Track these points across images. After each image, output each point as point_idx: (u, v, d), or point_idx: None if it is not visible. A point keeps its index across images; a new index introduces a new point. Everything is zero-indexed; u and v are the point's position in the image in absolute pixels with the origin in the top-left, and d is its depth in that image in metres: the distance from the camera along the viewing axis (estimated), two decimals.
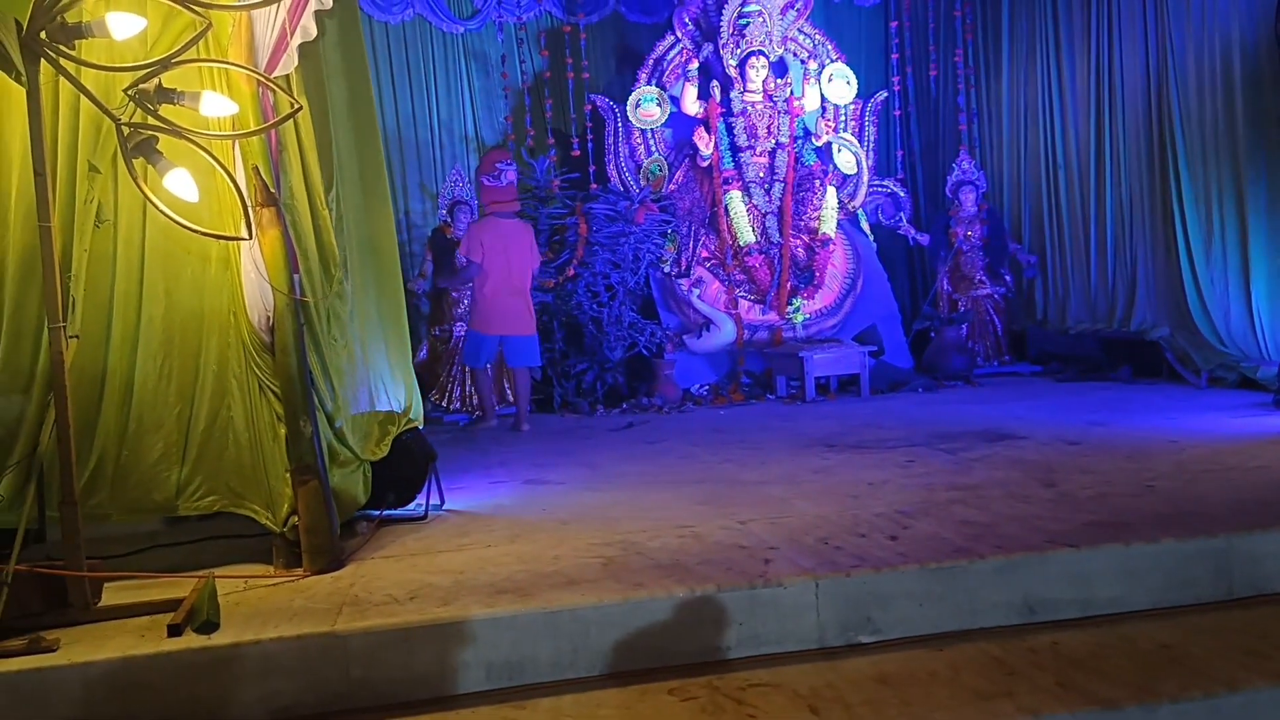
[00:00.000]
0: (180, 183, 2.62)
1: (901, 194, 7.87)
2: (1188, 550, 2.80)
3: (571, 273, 7.03)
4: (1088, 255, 7.02)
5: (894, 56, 8.32)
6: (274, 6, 2.77)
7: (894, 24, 8.32)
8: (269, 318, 2.98)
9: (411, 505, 3.78)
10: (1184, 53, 5.95)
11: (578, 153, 7.60)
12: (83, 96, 2.69)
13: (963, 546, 2.85)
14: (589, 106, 7.58)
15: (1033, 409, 5.53)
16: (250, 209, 2.85)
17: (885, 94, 7.93)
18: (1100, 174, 6.82)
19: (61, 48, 2.51)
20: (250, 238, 2.88)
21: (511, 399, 6.45)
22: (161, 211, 2.68)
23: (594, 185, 7.42)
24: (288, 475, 2.99)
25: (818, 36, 7.60)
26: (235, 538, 3.22)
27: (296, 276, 3.03)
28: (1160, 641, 2.54)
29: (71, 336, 2.70)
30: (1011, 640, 2.59)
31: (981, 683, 2.37)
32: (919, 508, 3.36)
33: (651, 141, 7.44)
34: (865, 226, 7.70)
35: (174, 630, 2.50)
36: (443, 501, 3.87)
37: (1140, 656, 2.47)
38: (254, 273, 2.96)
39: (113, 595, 2.80)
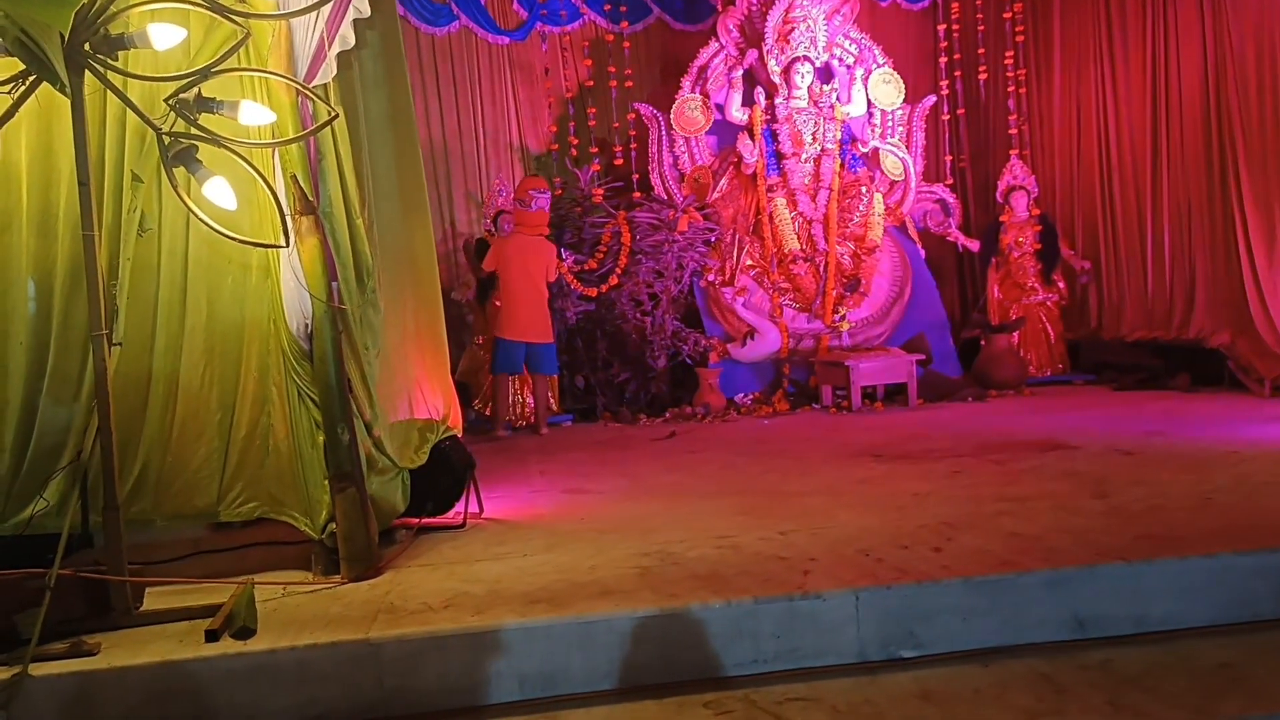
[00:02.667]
0: (219, 191, 2.65)
1: (950, 200, 7.73)
2: (1248, 565, 2.67)
3: (615, 281, 7.02)
4: (1144, 260, 6.83)
5: (942, 60, 8.18)
6: (312, 15, 2.80)
7: (942, 27, 8.18)
8: (308, 325, 3.00)
9: (450, 513, 3.78)
10: (1244, 49, 5.76)
11: (621, 161, 7.60)
12: (126, 107, 2.73)
13: (1009, 559, 2.76)
14: (632, 115, 7.58)
15: (1086, 419, 5.38)
16: (289, 217, 2.88)
17: (934, 98, 7.81)
18: (1157, 176, 6.62)
19: (105, 59, 2.55)
20: (289, 246, 2.90)
21: (530, 407, 6.69)
22: (201, 220, 2.72)
23: (637, 193, 7.41)
24: (326, 483, 3.01)
25: (865, 40, 7.50)
26: (276, 544, 3.23)
27: (335, 284, 3.05)
28: (1219, 660, 2.42)
29: (115, 344, 2.74)
30: (1060, 657, 2.50)
31: (1029, 701, 2.28)
32: (965, 519, 3.27)
33: (695, 149, 7.41)
34: (913, 233, 7.58)
35: (211, 636, 2.51)
36: (481, 510, 3.87)
37: (1198, 676, 2.36)
38: (293, 281, 2.99)
39: (154, 600, 2.84)
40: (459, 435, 4.03)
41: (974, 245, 7.64)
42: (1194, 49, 6.17)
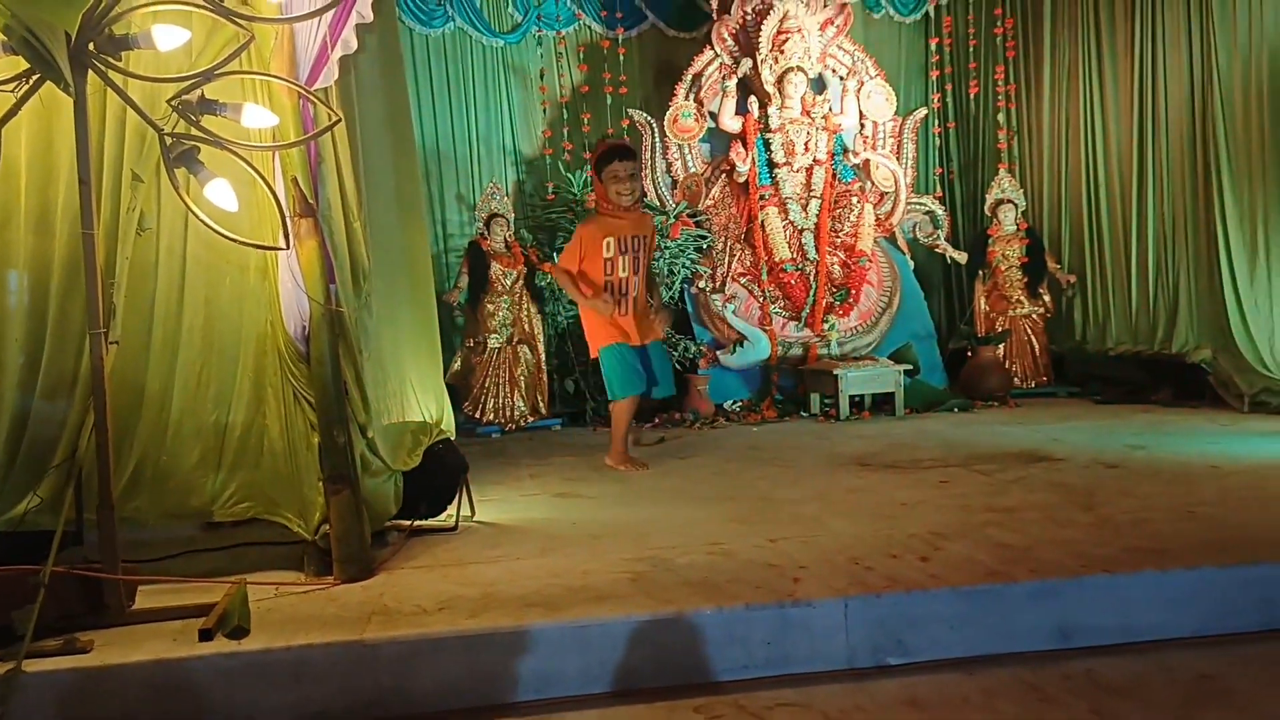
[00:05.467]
0: (220, 193, 2.67)
1: (940, 212, 7.80)
2: (1230, 578, 2.73)
3: None
4: (1128, 275, 6.91)
5: (934, 74, 8.28)
6: (316, 20, 2.81)
7: (934, 40, 8.27)
8: (305, 327, 3.02)
9: (442, 515, 3.79)
10: (1230, 69, 5.84)
11: None
12: (127, 107, 2.74)
13: (997, 569, 2.81)
14: (626, 120, 7.61)
15: (1071, 431, 5.44)
16: (288, 219, 2.89)
17: (925, 111, 7.88)
18: (1142, 193, 6.71)
19: (108, 59, 2.57)
20: (288, 248, 2.91)
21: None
22: (202, 221, 2.73)
23: None
24: (320, 484, 3.02)
25: (857, 52, 7.56)
26: (269, 544, 3.24)
27: (333, 287, 3.06)
28: (1201, 671, 2.47)
29: (112, 342, 2.75)
30: (1046, 666, 2.54)
31: (1014, 708, 2.32)
32: (953, 529, 3.31)
33: (688, 156, 7.45)
34: (902, 244, 7.64)
35: (205, 635, 2.52)
36: (474, 512, 3.89)
37: (1180, 686, 2.40)
38: (291, 282, 3.00)
39: (147, 599, 2.84)
40: (451, 438, 4.04)
41: (962, 257, 7.71)
42: (1180, 69, 6.26)
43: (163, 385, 3.14)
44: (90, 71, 2.58)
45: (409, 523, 3.64)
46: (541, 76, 7.90)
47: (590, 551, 3.28)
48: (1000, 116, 7.92)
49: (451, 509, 3.80)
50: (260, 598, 2.83)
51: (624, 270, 4.84)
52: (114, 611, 2.70)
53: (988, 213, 7.69)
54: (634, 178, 4.90)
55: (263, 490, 3.20)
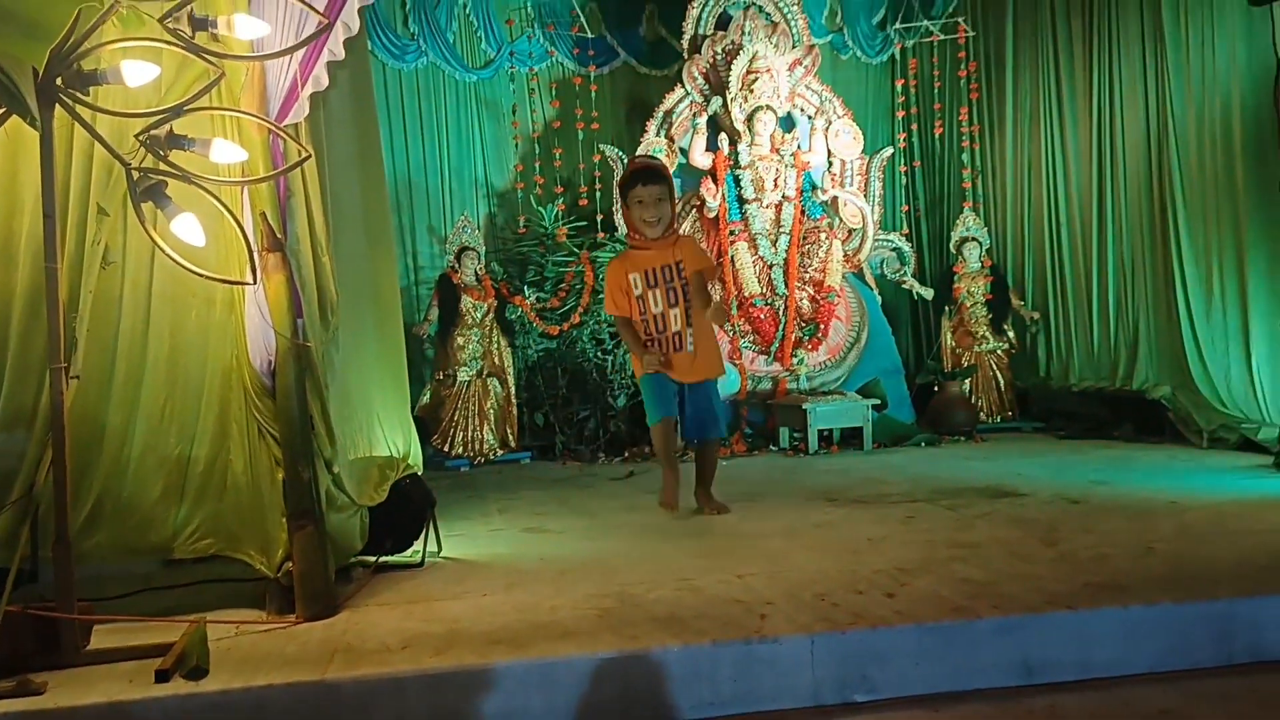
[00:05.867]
0: (187, 227, 2.66)
1: (906, 248, 7.92)
2: (1188, 614, 2.76)
3: (577, 320, 7.07)
4: (1090, 312, 7.04)
5: (900, 113, 8.44)
6: (287, 57, 2.83)
7: (900, 82, 8.45)
8: (271, 361, 3.00)
9: (409, 551, 3.76)
10: (1184, 115, 6.02)
11: (585, 201, 7.69)
12: (93, 140, 2.73)
13: (961, 605, 2.83)
14: (598, 156, 7.68)
15: (1035, 466, 5.51)
16: (256, 253, 2.88)
17: (891, 150, 8.03)
18: (1102, 233, 6.86)
19: (76, 93, 2.56)
20: (255, 282, 2.90)
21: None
22: (168, 255, 2.72)
23: (601, 234, 7.49)
24: (284, 520, 2.98)
25: (825, 92, 7.70)
26: (230, 581, 3.19)
27: (300, 321, 3.05)
28: (1160, 706, 2.50)
29: (73, 376, 2.71)
30: (1008, 701, 2.56)
31: None
32: (918, 564, 3.33)
33: None
34: (870, 280, 7.75)
35: (162, 676, 2.47)
36: (440, 548, 3.86)
37: None
38: (258, 316, 2.99)
39: (104, 638, 2.78)
40: (419, 472, 4.02)
41: (928, 293, 7.83)
42: (1136, 115, 6.43)
43: (125, 419, 3.11)
44: (57, 105, 2.57)
45: (374, 559, 3.60)
46: (514, 112, 7.96)
47: (557, 587, 3.26)
48: (965, 156, 8.08)
49: (418, 544, 3.76)
50: (220, 637, 2.78)
51: (657, 306, 4.42)
52: (69, 651, 2.64)
53: (953, 250, 7.83)
54: (661, 202, 4.43)
55: (225, 526, 3.16)
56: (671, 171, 7.41)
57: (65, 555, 2.65)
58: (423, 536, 3.78)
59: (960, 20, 7.85)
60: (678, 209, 7.27)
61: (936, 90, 8.31)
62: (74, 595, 2.67)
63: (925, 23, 8.03)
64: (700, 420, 4.51)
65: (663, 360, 4.40)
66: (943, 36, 8.02)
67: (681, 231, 7.40)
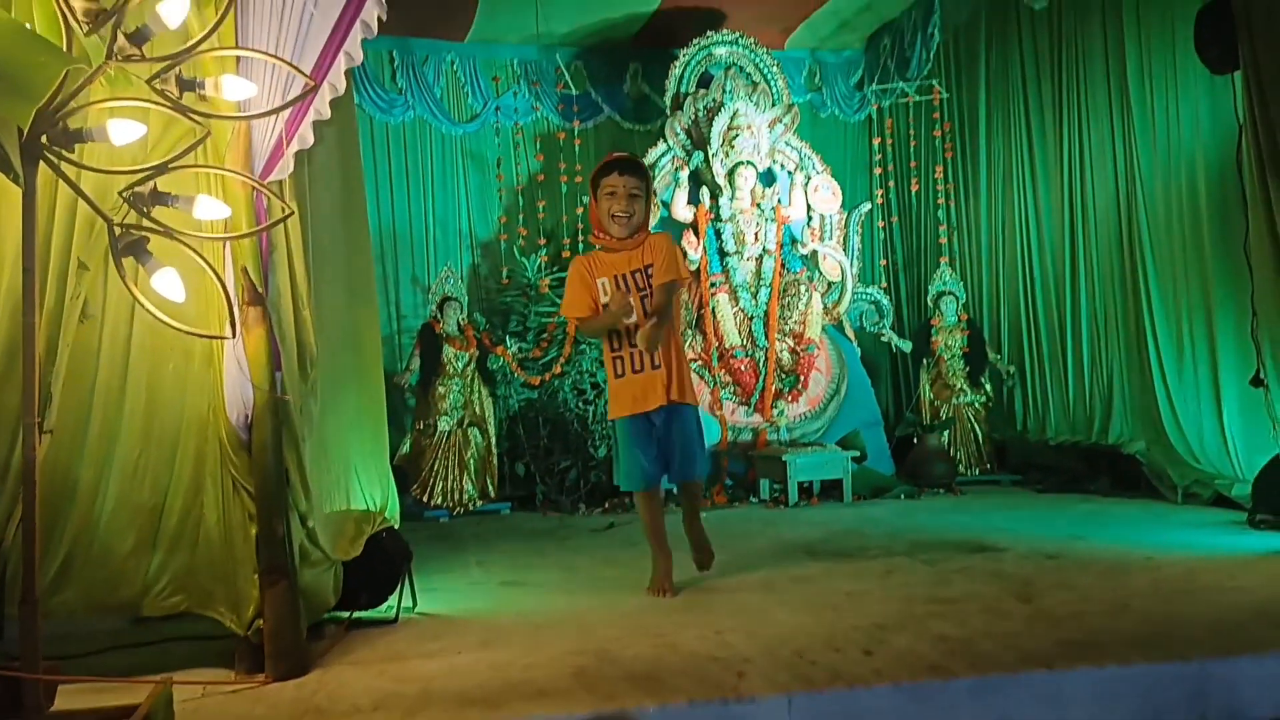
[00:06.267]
0: (168, 282, 2.66)
1: (885, 302, 8.02)
2: (1162, 674, 2.77)
3: (558, 370, 7.09)
4: (1065, 367, 7.12)
5: (878, 170, 8.61)
6: (273, 116, 2.87)
7: (877, 140, 8.63)
8: (248, 415, 2.99)
9: (383, 606, 3.72)
10: (1152, 178, 6.16)
11: (568, 253, 7.75)
12: (76, 195, 2.75)
13: (938, 663, 2.82)
14: (580, 208, 7.77)
15: (1013, 519, 5.53)
16: (237, 308, 2.89)
17: (869, 205, 8.16)
18: (1075, 290, 6.97)
19: (61, 151, 2.58)
20: (234, 336, 2.91)
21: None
22: (149, 311, 2.72)
23: None
24: (255, 577, 2.95)
25: (804, 149, 7.85)
26: (199, 639, 3.15)
27: (279, 374, 3.05)
28: None
29: (46, 431, 2.69)
30: None
31: None
32: (896, 620, 3.33)
33: None
34: (849, 333, 7.83)
35: None
36: (415, 603, 3.82)
37: None
38: (236, 370, 2.98)
39: (69, 699, 2.72)
40: (395, 526, 3.99)
41: (906, 346, 7.91)
42: (1106, 176, 6.57)
43: (98, 474, 3.07)
44: (41, 162, 2.59)
45: (348, 615, 3.56)
46: (499, 165, 8.06)
47: (533, 643, 3.23)
48: (940, 213, 8.22)
49: (393, 599, 3.73)
50: (186, 698, 2.73)
51: (631, 315, 3.86)
52: (32, 713, 2.58)
53: (930, 304, 7.93)
54: (635, 198, 3.89)
55: (197, 581, 3.12)
56: (654, 224, 7.58)
57: (31, 614, 2.60)
58: (398, 591, 3.75)
59: (935, 83, 8.04)
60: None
61: (913, 149, 8.48)
62: (39, 655, 2.62)
63: (901, 84, 8.22)
64: (686, 457, 4.00)
65: (629, 307, 3.83)
66: (918, 98, 8.20)
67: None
